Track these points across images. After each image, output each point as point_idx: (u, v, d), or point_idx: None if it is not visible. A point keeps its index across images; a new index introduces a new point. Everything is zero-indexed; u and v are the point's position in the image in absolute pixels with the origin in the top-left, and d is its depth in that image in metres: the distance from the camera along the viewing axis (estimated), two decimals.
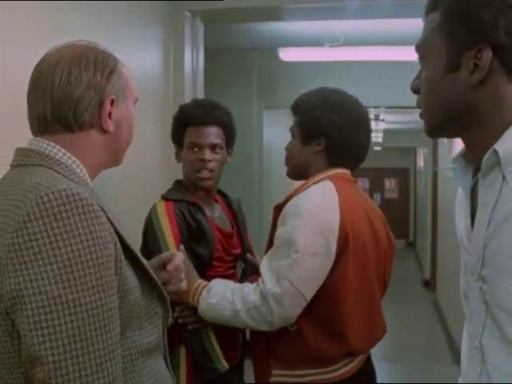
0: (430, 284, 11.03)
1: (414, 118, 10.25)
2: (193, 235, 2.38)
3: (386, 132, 11.23)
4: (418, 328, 8.95)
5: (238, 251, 2.55)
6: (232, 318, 2.16)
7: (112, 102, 1.42)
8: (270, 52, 5.45)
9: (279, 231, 2.14)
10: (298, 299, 2.09)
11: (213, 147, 2.46)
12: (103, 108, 1.40)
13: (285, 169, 2.41)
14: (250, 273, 2.56)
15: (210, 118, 2.46)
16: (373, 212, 2.32)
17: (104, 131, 1.42)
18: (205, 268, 2.39)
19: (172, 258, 1.77)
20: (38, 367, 1.16)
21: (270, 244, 2.23)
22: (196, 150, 2.45)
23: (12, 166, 1.38)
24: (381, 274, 2.33)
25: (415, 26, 3.52)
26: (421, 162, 15.54)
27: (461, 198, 1.39)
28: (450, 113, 1.25)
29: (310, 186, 2.20)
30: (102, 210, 1.29)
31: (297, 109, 2.35)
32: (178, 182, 2.57)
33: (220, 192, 2.66)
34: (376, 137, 11.07)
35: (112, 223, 1.32)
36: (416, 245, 16.44)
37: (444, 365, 6.66)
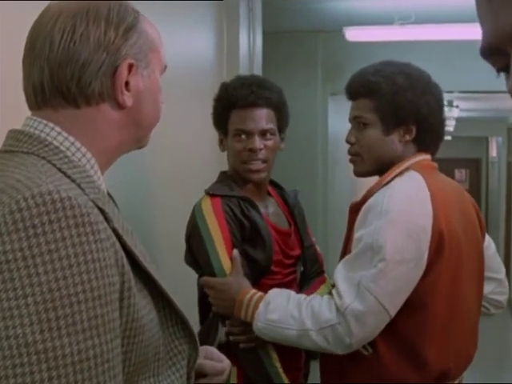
0: None
1: (487, 105, 9.80)
2: (246, 236, 2.04)
3: (457, 120, 10.74)
4: (490, 331, 8.47)
5: (297, 252, 2.20)
6: (299, 338, 1.83)
7: (130, 67, 1.10)
8: (336, 33, 5.06)
9: (359, 234, 1.81)
10: (381, 316, 1.77)
11: (263, 133, 2.10)
12: (118, 75, 1.09)
13: None
14: (313, 275, 2.22)
15: (260, 98, 2.09)
16: (465, 204, 1.99)
17: (119, 106, 1.11)
18: (262, 275, 2.06)
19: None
20: None
21: (346, 249, 1.92)
22: (243, 137, 2.09)
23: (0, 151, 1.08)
24: (477, 279, 1.98)
25: None
26: (493, 152, 15.14)
27: None
28: None
29: (392, 179, 1.88)
30: (107, 219, 0.99)
31: (372, 91, 1.97)
32: (223, 174, 2.22)
33: (273, 183, 2.31)
34: (448, 125, 10.58)
35: (120, 237, 0.99)
36: None
37: None
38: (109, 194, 1.17)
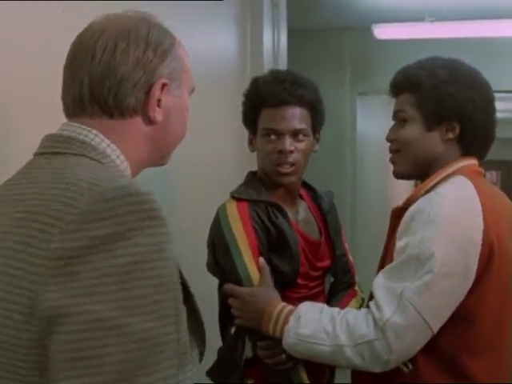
0: None
1: None
2: (272, 245, 1.93)
3: None
4: None
5: (326, 263, 2.08)
6: (333, 355, 1.71)
7: (163, 86, 1.20)
8: (364, 31, 5.05)
9: (404, 242, 1.69)
10: (424, 332, 1.65)
11: (295, 134, 1.96)
12: (152, 92, 1.19)
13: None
14: (344, 286, 2.11)
15: (292, 95, 1.96)
16: None
17: (150, 121, 1.20)
18: (287, 287, 1.95)
19: None
20: None
21: (386, 256, 1.81)
22: (273, 137, 1.96)
23: (36, 154, 1.15)
24: None
25: None
26: None
27: None
28: None
29: (439, 184, 1.76)
30: None
31: (413, 85, 1.85)
32: (252, 175, 2.10)
33: (305, 185, 2.18)
34: None
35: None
36: None
37: None
38: None
